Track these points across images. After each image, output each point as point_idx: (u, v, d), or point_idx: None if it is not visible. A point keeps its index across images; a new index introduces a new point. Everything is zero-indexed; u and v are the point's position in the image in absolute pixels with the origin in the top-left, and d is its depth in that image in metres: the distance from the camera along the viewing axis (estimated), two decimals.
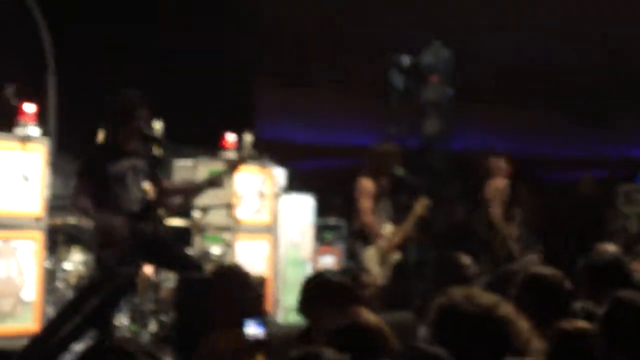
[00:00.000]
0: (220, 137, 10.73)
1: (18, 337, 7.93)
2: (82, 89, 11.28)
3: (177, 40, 12.98)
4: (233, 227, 10.24)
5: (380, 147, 9.37)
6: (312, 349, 3.52)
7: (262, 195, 10.77)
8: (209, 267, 9.63)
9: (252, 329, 5.56)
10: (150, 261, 7.78)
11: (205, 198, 10.27)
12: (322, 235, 12.16)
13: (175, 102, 11.80)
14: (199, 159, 10.69)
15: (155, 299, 8.70)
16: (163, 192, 7.68)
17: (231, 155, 10.64)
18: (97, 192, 7.43)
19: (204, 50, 13.34)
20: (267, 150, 10.93)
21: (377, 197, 9.16)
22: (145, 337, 8.72)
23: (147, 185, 7.59)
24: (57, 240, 9.02)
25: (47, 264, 8.78)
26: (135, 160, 7.60)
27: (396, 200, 9.72)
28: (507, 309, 3.52)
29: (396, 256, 9.19)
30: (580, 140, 16.73)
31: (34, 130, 8.45)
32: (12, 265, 8.15)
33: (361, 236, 9.15)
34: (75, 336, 6.18)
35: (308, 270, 11.59)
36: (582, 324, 4.52)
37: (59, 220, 9.00)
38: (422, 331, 6.68)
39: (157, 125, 8.13)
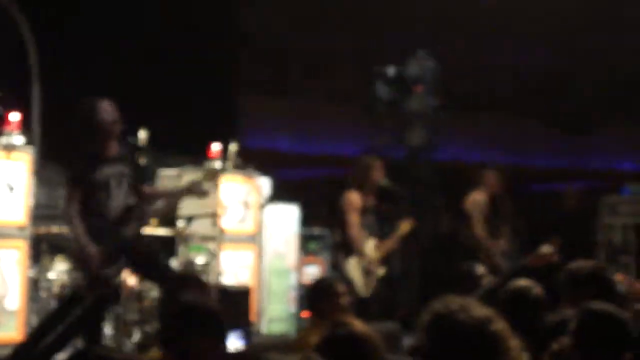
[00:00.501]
0: (205, 146, 10.71)
1: (1, 346, 7.89)
2: (66, 98, 11.25)
3: (161, 50, 12.97)
4: (218, 236, 10.22)
5: (364, 161, 9.38)
6: (304, 358, 3.50)
7: (246, 204, 10.76)
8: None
9: (234, 341, 5.55)
10: (129, 267, 7.75)
11: (190, 208, 10.26)
12: (307, 245, 12.15)
13: (160, 111, 11.79)
14: (184, 168, 10.67)
15: (139, 309, 8.67)
16: (144, 198, 7.67)
17: (215, 164, 10.64)
18: (84, 199, 7.40)
19: (189, 59, 13.33)
20: (252, 160, 10.92)
21: (363, 211, 9.16)
22: (128, 347, 8.69)
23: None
24: (41, 250, 8.99)
25: (31, 273, 8.74)
26: (120, 167, 7.57)
27: (380, 211, 9.73)
28: (500, 324, 3.50)
29: (381, 271, 9.19)
30: (565, 151, 16.78)
31: (18, 139, 8.42)
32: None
33: (344, 247, 9.14)
34: (58, 346, 6.16)
35: (292, 280, 11.58)
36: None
37: (43, 230, 8.96)
38: (407, 341, 6.68)
39: (142, 134, 8.12)
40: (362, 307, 8.66)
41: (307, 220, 12.03)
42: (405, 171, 12.35)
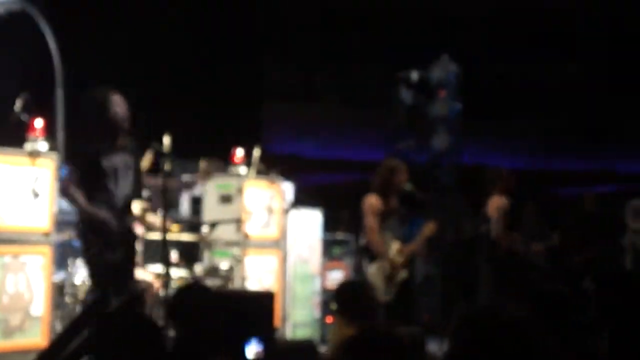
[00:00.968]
0: (229, 152, 10.74)
1: (26, 352, 7.93)
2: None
3: (185, 55, 13.02)
4: (242, 242, 10.23)
5: (387, 164, 9.36)
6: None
7: (270, 210, 10.77)
8: (216, 283, 9.65)
9: (253, 348, 5.55)
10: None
11: (214, 213, 10.29)
12: (330, 250, 12.15)
13: (184, 117, 11.84)
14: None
15: (164, 315, 8.68)
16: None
17: (240, 170, 10.66)
18: (89, 185, 7.45)
19: (213, 65, 13.38)
20: (275, 165, 10.93)
21: (385, 215, 9.12)
22: None
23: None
24: (66, 255, 9.03)
25: (56, 279, 8.79)
26: (126, 156, 7.63)
27: (404, 215, 9.71)
28: (533, 326, 3.48)
29: (403, 274, 9.17)
30: (592, 155, 16.71)
31: (42, 146, 8.47)
32: (20, 280, 8.14)
33: (367, 252, 9.12)
34: (83, 352, 6.17)
35: (317, 285, 11.58)
36: None
37: (67, 235, 9.01)
38: (431, 347, 6.67)
39: (166, 140, 8.14)
40: (384, 312, 8.65)
41: (330, 225, 12.04)
42: (429, 175, 12.34)
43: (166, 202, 8.11)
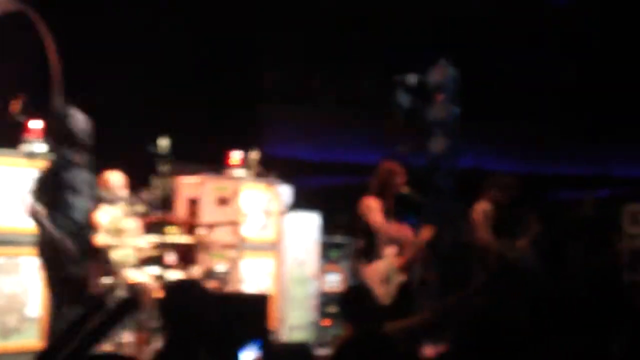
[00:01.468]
0: (226, 154, 10.74)
1: (23, 353, 7.93)
2: (88, 107, 11.30)
3: (184, 57, 13.02)
4: (238, 244, 10.23)
5: (385, 166, 9.35)
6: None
7: (267, 212, 10.77)
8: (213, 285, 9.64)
9: (249, 352, 5.54)
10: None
11: (211, 215, 10.29)
12: (328, 253, 12.15)
13: (182, 120, 11.83)
14: (205, 177, 10.70)
15: (160, 317, 8.67)
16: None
17: (238, 172, 10.66)
18: (51, 199, 7.49)
19: (211, 67, 13.38)
20: (273, 168, 10.94)
21: (383, 217, 9.12)
22: (149, 353, 8.71)
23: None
24: None
25: None
26: (84, 173, 7.67)
27: (401, 219, 9.70)
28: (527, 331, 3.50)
29: (400, 277, 9.17)
30: (588, 159, 16.71)
31: (40, 147, 8.47)
32: (16, 282, 8.14)
33: (365, 255, 9.11)
34: (80, 353, 6.16)
35: (313, 288, 11.58)
36: None
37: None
38: (427, 349, 6.67)
39: (163, 143, 8.15)
40: (381, 315, 8.64)
41: (328, 228, 12.03)
42: (426, 179, 12.32)
43: (164, 206, 8.12)
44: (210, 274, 9.72)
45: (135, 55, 12.23)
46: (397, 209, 9.40)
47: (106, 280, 8.98)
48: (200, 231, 9.88)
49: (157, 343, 8.74)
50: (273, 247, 10.83)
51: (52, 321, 7.54)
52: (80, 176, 7.60)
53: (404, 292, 9.04)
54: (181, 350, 4.46)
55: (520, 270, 9.79)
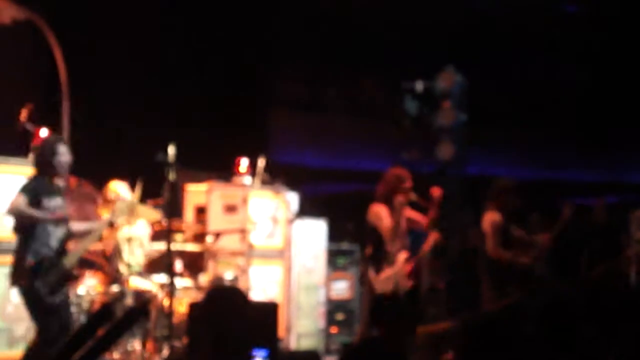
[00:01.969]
0: (234, 162, 10.75)
1: None
2: (95, 115, 11.34)
3: (190, 66, 13.03)
4: (246, 252, 10.23)
5: (392, 172, 9.35)
6: None
7: (275, 220, 10.77)
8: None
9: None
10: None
11: (219, 223, 10.29)
12: (335, 260, 12.14)
13: (190, 127, 11.85)
14: (213, 184, 10.70)
15: (168, 325, 8.69)
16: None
17: (246, 180, 10.66)
18: (30, 225, 7.59)
19: (218, 75, 13.39)
20: (280, 175, 10.94)
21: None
22: None
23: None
24: None
25: None
26: (62, 200, 7.76)
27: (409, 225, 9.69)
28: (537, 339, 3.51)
29: (408, 284, 9.17)
30: (598, 165, 16.68)
31: None
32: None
33: (374, 262, 9.11)
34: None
35: (321, 296, 11.57)
36: None
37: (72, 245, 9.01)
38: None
39: (171, 150, 8.15)
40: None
41: (335, 235, 12.02)
42: (433, 186, 12.31)
43: (170, 213, 8.13)
44: (218, 281, 9.72)
45: (145, 63, 12.25)
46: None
47: (114, 288, 8.99)
48: (208, 239, 9.88)
49: (165, 351, 8.76)
50: (281, 254, 10.83)
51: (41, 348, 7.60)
52: (58, 203, 7.68)
53: (411, 300, 9.03)
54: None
55: (533, 277, 9.78)
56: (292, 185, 11.13)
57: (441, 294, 12.05)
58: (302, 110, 15.76)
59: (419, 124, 12.86)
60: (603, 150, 16.54)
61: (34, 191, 7.56)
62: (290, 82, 15.61)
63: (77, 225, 8.06)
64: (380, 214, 8.98)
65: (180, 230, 9.90)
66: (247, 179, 10.68)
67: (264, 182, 10.79)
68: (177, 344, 8.76)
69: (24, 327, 8.54)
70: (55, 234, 7.63)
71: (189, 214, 10.91)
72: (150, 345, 8.84)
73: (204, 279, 9.68)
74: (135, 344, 8.79)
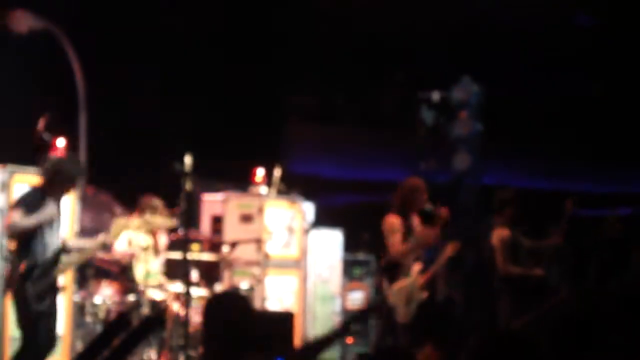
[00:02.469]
0: (250, 172, 10.76)
1: None
2: (112, 125, 11.38)
3: (206, 76, 13.06)
4: (262, 261, 10.22)
5: (408, 183, 9.33)
6: None
7: (291, 230, 10.76)
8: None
9: None
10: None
11: (235, 233, 10.29)
12: (351, 270, 12.12)
13: (206, 137, 11.87)
14: (229, 194, 10.71)
15: (184, 334, 8.69)
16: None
17: (261, 190, 10.67)
18: (30, 235, 7.59)
19: (235, 86, 13.42)
20: (296, 185, 10.94)
21: (405, 234, 9.09)
22: None
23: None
24: (87, 275, 9.06)
25: (77, 298, 8.81)
26: (58, 211, 7.75)
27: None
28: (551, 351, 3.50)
29: (422, 295, 9.15)
30: (612, 177, 16.63)
31: None
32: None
33: (388, 273, 9.09)
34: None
35: (337, 306, 11.56)
36: None
37: (80, 255, 9.02)
38: None
39: (188, 160, 8.17)
40: (403, 334, 8.63)
41: (351, 245, 12.01)
42: (450, 196, 12.30)
43: (187, 222, 8.15)
44: (235, 290, 9.72)
45: (162, 73, 12.28)
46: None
47: (130, 297, 9.00)
48: (224, 248, 9.88)
49: None
50: (296, 264, 10.82)
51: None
52: (58, 212, 7.71)
53: (426, 311, 8.99)
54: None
55: (547, 288, 9.75)
56: (308, 195, 11.12)
57: (457, 305, 12.02)
58: (318, 121, 15.78)
59: (435, 134, 12.86)
60: (618, 161, 16.49)
61: (29, 203, 7.58)
62: (306, 92, 15.62)
63: (73, 241, 8.09)
64: (394, 226, 8.96)
65: (196, 240, 9.91)
66: (263, 189, 10.68)
67: (280, 192, 10.79)
68: (192, 353, 8.76)
69: None
70: (51, 243, 7.65)
71: (205, 224, 10.92)
72: (166, 354, 8.84)
73: (220, 288, 9.68)
74: (151, 354, 8.80)
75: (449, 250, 9.25)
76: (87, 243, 8.20)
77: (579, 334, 5.29)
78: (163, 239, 9.48)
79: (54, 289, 7.69)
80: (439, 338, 6.15)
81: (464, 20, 14.87)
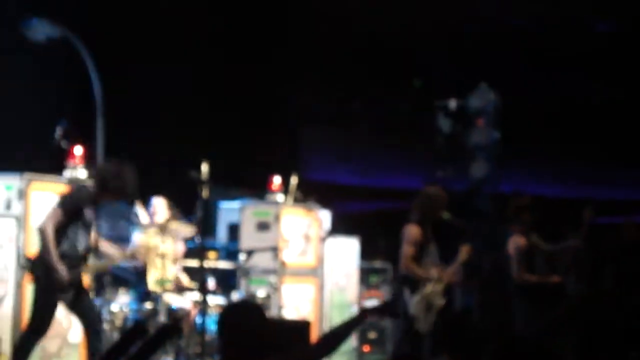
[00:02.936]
0: (266, 179, 10.75)
1: None
2: (129, 131, 11.39)
3: (224, 84, 13.07)
4: (279, 269, 10.21)
5: (427, 192, 9.31)
6: None
7: (307, 237, 10.75)
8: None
9: None
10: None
11: (252, 241, 10.28)
12: (368, 278, 12.10)
13: (223, 145, 11.87)
14: (245, 202, 10.71)
15: (201, 342, 8.68)
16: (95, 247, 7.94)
17: (278, 197, 10.65)
18: (65, 226, 7.60)
19: (251, 93, 13.42)
20: (312, 193, 10.92)
21: (424, 243, 9.06)
22: None
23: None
24: (104, 282, 9.07)
25: None
26: (92, 211, 7.81)
27: (442, 244, 9.64)
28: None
29: (441, 301, 9.12)
30: (630, 183, 16.56)
31: (82, 173, 8.52)
32: (59, 307, 8.17)
33: (408, 282, 9.06)
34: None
35: (353, 314, 11.53)
36: None
37: (106, 262, 9.04)
38: None
39: (204, 168, 8.16)
40: (423, 343, 8.60)
41: (367, 253, 11.98)
42: (467, 204, 12.27)
43: (204, 230, 8.15)
44: (250, 299, 9.71)
45: (178, 80, 12.30)
46: (438, 235, 9.34)
47: (147, 305, 9.00)
48: (241, 256, 9.87)
49: None
50: (313, 272, 10.80)
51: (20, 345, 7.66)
52: (91, 215, 7.75)
53: (442, 320, 8.95)
54: None
55: (564, 295, 9.72)
56: (324, 203, 11.10)
57: (474, 313, 11.98)
58: (334, 128, 15.76)
59: (452, 142, 12.83)
60: (635, 168, 16.42)
61: (70, 204, 7.60)
62: (322, 100, 15.61)
63: (105, 247, 8.11)
64: (413, 237, 8.92)
65: (213, 248, 9.91)
66: (280, 197, 10.67)
67: (297, 200, 10.77)
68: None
69: (57, 344, 8.56)
70: (83, 240, 7.69)
71: (222, 232, 10.91)
72: None
73: (236, 296, 9.67)
74: None
75: (463, 253, 9.23)
76: (115, 255, 8.25)
77: (596, 340, 5.27)
78: (180, 247, 9.48)
79: (77, 285, 7.72)
80: (455, 347, 6.11)
81: (481, 27, 14.85)
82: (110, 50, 11.50)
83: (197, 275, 9.00)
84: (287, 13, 14.42)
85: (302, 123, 15.21)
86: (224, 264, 9.79)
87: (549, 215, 10.15)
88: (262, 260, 10.05)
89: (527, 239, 9.62)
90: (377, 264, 12.31)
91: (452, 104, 12.81)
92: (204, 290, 8.31)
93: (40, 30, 10.73)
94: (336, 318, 11.23)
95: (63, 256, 7.54)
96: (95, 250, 7.95)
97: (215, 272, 9.67)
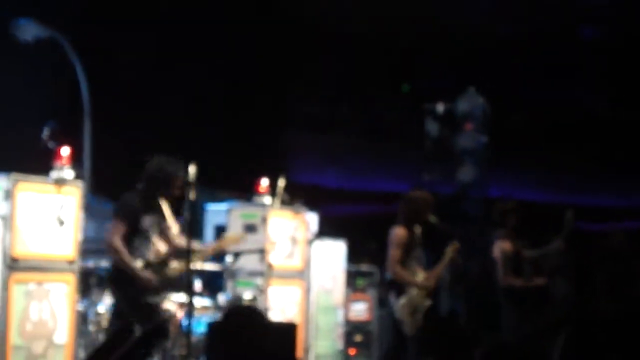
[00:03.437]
0: (253, 181, 10.74)
1: None
2: (116, 132, 11.37)
3: (211, 86, 13.08)
4: (265, 272, 10.20)
5: (413, 195, 9.32)
6: None
7: (294, 240, 10.74)
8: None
9: None
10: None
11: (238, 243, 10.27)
12: (354, 281, 12.10)
13: (210, 147, 11.86)
14: (232, 204, 10.70)
15: (187, 344, 8.66)
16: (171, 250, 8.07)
17: (265, 200, 10.65)
18: (127, 236, 7.95)
19: (238, 96, 13.43)
20: (300, 195, 10.92)
21: (410, 246, 9.08)
22: None
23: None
24: (90, 284, 9.05)
25: (80, 307, 8.79)
26: (159, 217, 8.09)
27: (429, 248, 9.66)
28: None
29: (427, 303, 9.14)
30: (616, 190, 16.61)
31: (68, 174, 8.50)
32: (44, 308, 8.14)
33: (394, 286, 9.07)
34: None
35: (340, 317, 11.53)
36: None
37: (92, 263, 9.03)
38: None
39: (191, 169, 8.15)
40: (412, 346, 8.61)
41: (354, 256, 11.99)
42: (455, 208, 12.29)
43: (190, 232, 8.13)
44: (236, 301, 9.70)
45: (166, 82, 12.29)
46: (425, 239, 9.36)
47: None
48: (227, 258, 9.87)
49: None
50: (300, 275, 10.79)
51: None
52: (156, 220, 8.11)
53: (429, 324, 8.98)
54: None
55: (550, 298, 9.76)
56: (311, 205, 11.10)
57: (460, 317, 12.00)
58: (321, 131, 15.78)
59: (440, 146, 12.85)
60: (623, 174, 16.47)
61: (129, 214, 7.76)
62: (310, 103, 15.62)
63: (193, 245, 8.31)
64: (399, 239, 8.94)
65: (199, 250, 9.88)
66: (267, 199, 10.66)
67: (284, 203, 10.77)
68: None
69: (43, 345, 8.53)
70: (149, 247, 7.98)
71: (208, 233, 10.89)
72: None
73: (223, 298, 9.66)
74: None
75: (450, 252, 9.25)
76: (205, 248, 8.53)
77: (583, 347, 5.27)
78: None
79: (170, 285, 8.03)
80: (441, 351, 6.12)
81: (470, 32, 14.88)
82: (98, 51, 11.48)
83: (184, 276, 8.98)
84: (275, 17, 14.42)
85: (290, 126, 15.21)
86: (210, 266, 9.77)
87: (535, 220, 10.19)
88: (248, 262, 10.05)
89: (513, 243, 9.65)
90: (364, 267, 12.32)
91: (440, 108, 12.83)
92: (190, 292, 8.29)
93: (28, 30, 10.70)
94: (322, 321, 11.23)
95: (147, 265, 7.87)
96: (179, 250, 8.10)
97: (201, 273, 9.66)
